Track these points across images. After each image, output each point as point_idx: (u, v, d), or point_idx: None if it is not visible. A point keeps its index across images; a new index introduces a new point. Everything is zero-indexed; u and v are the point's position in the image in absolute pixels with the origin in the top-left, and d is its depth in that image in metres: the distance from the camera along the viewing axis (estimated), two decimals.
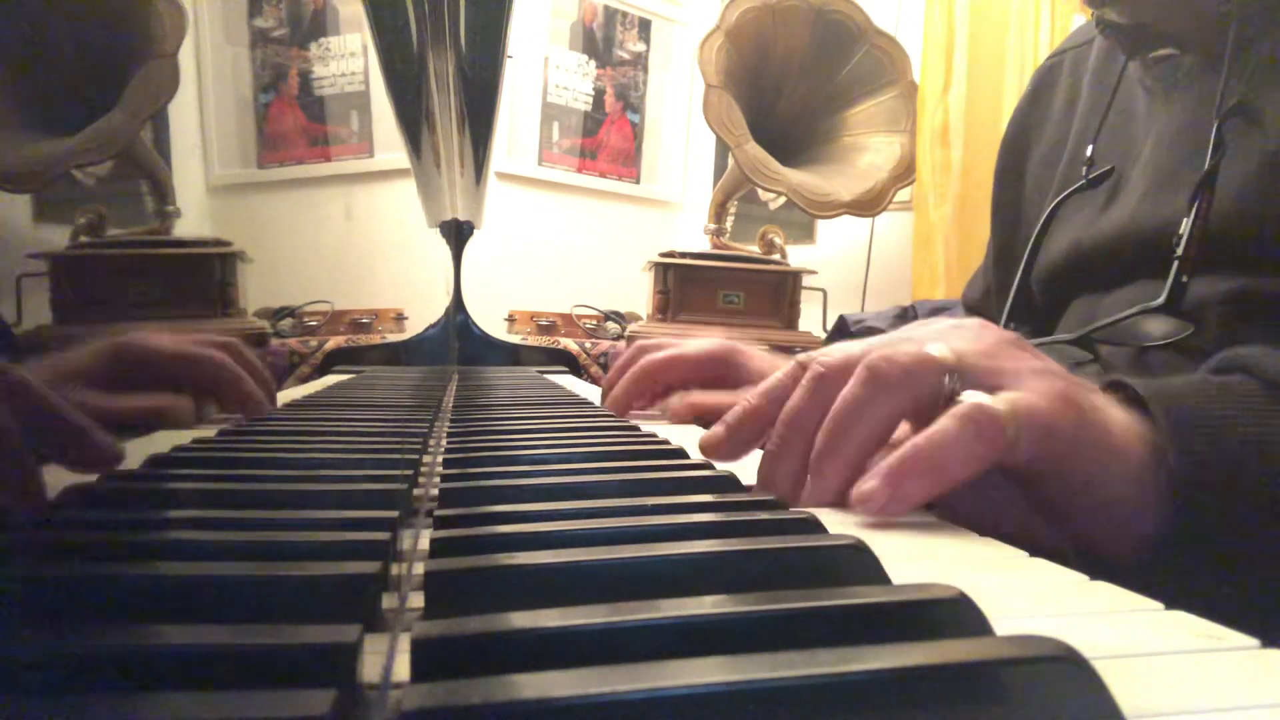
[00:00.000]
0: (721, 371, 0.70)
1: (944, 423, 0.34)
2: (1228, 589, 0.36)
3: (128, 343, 0.43)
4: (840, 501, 0.36)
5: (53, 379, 0.36)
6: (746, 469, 0.40)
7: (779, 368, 0.43)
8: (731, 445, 0.44)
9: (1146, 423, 0.37)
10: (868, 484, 0.34)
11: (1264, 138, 0.57)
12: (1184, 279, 0.58)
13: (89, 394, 0.39)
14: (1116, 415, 0.37)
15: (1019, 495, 0.37)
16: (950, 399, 0.36)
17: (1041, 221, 0.75)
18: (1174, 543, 0.35)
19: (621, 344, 2.08)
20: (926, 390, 0.37)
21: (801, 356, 0.42)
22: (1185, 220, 0.58)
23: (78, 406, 0.31)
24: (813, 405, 0.39)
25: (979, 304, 0.92)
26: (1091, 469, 0.35)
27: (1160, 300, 0.58)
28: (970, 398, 0.35)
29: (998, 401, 0.34)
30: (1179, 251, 0.58)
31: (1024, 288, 0.75)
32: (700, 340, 0.73)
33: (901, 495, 0.33)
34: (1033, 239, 0.75)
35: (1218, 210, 0.57)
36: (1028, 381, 0.36)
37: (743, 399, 0.44)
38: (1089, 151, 0.72)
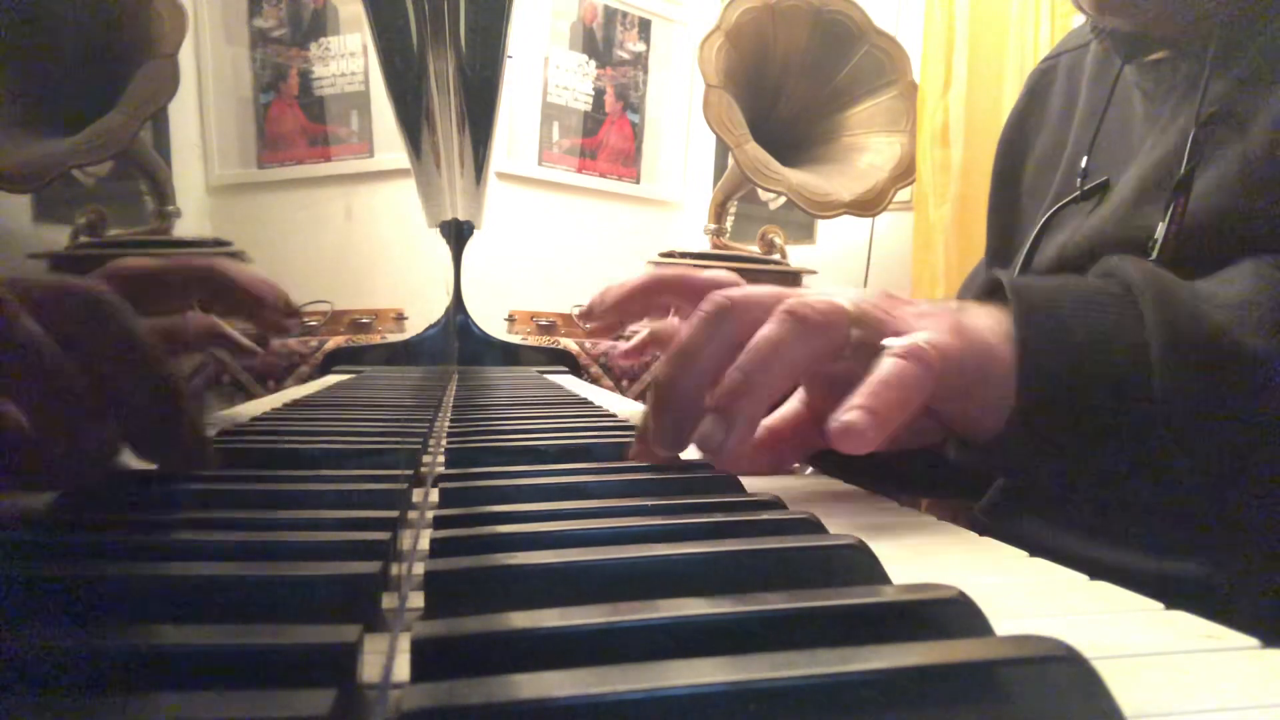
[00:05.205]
0: None
1: (893, 361, 0.36)
2: (1062, 476, 0.41)
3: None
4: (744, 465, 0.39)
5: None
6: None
7: (783, 298, 0.40)
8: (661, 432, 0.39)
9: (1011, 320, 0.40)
10: (849, 415, 0.34)
11: (1247, 141, 0.57)
12: None
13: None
14: (990, 324, 0.40)
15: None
16: (855, 347, 0.38)
17: (1036, 230, 0.74)
18: (1016, 424, 0.38)
19: (621, 343, 2.07)
20: (839, 338, 0.38)
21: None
22: (1160, 225, 0.58)
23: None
24: (713, 339, 0.39)
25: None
26: (975, 376, 0.39)
27: None
28: (896, 342, 0.37)
29: (918, 339, 0.37)
30: (1153, 256, 0.58)
31: None
32: (712, 271, 0.67)
33: (882, 423, 0.34)
34: (1027, 246, 0.75)
35: (1206, 209, 0.57)
36: (921, 323, 0.39)
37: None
38: (1084, 162, 0.72)
